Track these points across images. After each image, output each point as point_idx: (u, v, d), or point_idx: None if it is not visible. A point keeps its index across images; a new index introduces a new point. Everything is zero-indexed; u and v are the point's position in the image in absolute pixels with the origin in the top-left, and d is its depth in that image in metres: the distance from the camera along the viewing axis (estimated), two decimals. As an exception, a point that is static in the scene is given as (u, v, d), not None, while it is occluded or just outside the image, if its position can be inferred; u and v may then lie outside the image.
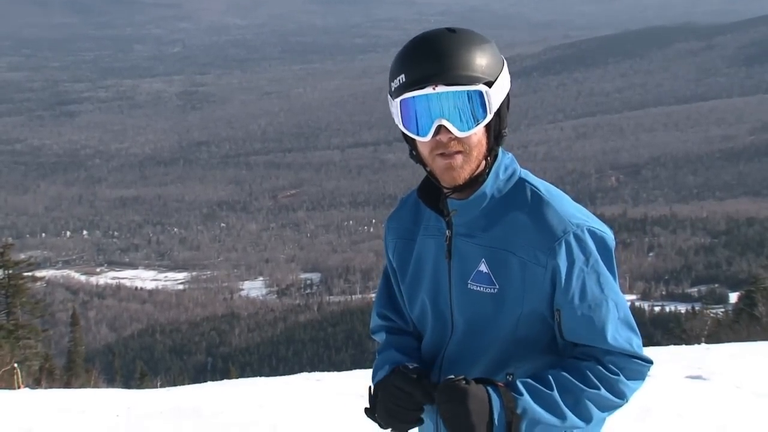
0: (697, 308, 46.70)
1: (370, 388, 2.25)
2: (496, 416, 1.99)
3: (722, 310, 47.06)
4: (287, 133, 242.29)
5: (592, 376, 2.10)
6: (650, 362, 2.19)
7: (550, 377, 2.08)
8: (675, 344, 15.96)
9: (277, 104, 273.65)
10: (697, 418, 7.21)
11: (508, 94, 2.21)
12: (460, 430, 1.99)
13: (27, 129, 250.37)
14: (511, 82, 2.21)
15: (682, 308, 62.67)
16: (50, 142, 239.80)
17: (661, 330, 43.29)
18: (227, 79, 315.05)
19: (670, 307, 74.96)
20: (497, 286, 2.19)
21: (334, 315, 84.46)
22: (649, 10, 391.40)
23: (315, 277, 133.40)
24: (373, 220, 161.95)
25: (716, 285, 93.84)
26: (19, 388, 16.65)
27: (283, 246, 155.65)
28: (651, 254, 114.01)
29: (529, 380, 2.07)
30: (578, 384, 2.08)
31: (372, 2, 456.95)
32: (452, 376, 2.03)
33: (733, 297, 63.50)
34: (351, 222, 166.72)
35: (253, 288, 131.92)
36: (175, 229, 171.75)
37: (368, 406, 2.24)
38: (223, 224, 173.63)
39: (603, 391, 2.09)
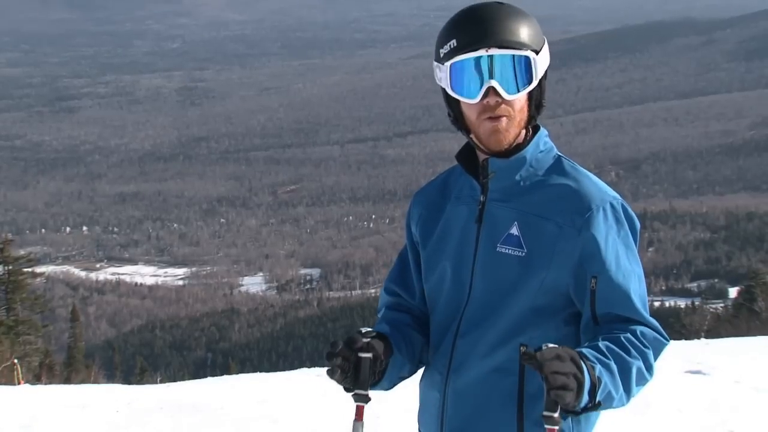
0: (696, 303, 46.76)
1: None
2: (587, 382, 1.96)
3: (722, 305, 47.16)
4: (287, 128, 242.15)
5: (632, 348, 2.10)
6: (668, 340, 2.23)
7: (603, 347, 2.08)
8: (675, 339, 15.95)
9: (276, 100, 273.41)
10: (696, 413, 7.21)
11: (546, 70, 2.29)
12: (566, 390, 1.91)
13: (26, 125, 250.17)
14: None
15: (682, 303, 62.78)
16: (50, 138, 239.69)
17: (661, 325, 43.22)
18: (227, 74, 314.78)
19: (669, 302, 74.89)
20: (525, 250, 2.22)
21: (334, 310, 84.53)
22: (649, 5, 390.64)
23: (315, 272, 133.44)
24: (373, 216, 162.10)
25: (716, 280, 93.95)
26: (19, 383, 16.66)
27: (283, 242, 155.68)
28: (650, 249, 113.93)
29: (590, 350, 2.06)
30: (624, 355, 2.08)
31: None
32: (552, 345, 1.95)
33: (733, 292, 63.58)
34: (351, 217, 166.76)
35: (253, 283, 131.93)
36: (175, 225, 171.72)
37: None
38: (222, 220, 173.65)
39: (641, 362, 2.11)
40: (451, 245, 2.36)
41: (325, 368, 2.27)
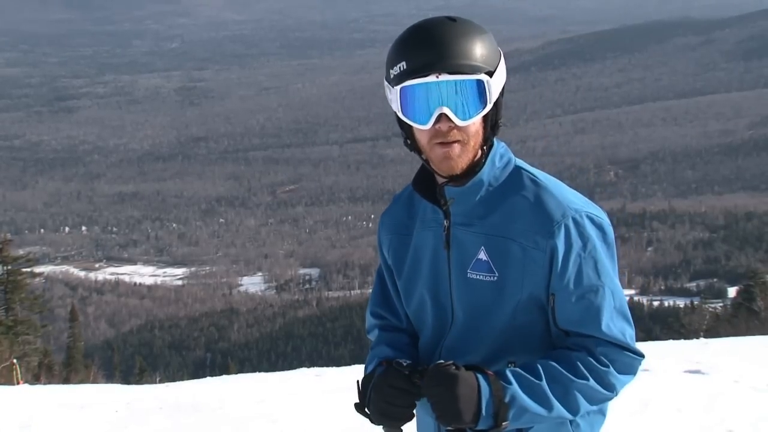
0: (695, 303, 46.72)
1: (358, 382, 2.24)
2: (484, 404, 1.99)
3: (721, 304, 47.15)
4: (286, 128, 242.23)
5: (581, 367, 2.09)
6: (642, 356, 2.17)
7: (540, 367, 2.08)
8: (674, 339, 15.98)
9: (275, 100, 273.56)
10: (695, 413, 7.21)
11: (504, 87, 2.22)
12: (447, 415, 2.01)
13: (25, 125, 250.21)
14: (508, 75, 2.22)
15: (681, 303, 62.83)
16: (48, 138, 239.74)
17: (660, 325, 43.33)
18: (226, 74, 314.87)
19: (668, 302, 75.02)
20: (497, 274, 2.19)
21: (333, 310, 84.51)
22: (648, 5, 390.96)
23: (314, 272, 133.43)
24: (372, 216, 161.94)
25: (715, 279, 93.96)
26: (18, 383, 16.65)
27: (282, 241, 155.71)
28: (650, 249, 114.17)
29: (519, 369, 2.07)
30: (567, 374, 2.07)
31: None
32: (441, 361, 2.04)
33: (732, 291, 63.58)
34: (349, 217, 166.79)
35: (252, 283, 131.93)
36: (174, 225, 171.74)
37: (357, 401, 2.23)
38: (221, 220, 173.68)
39: (592, 382, 2.09)
40: (424, 273, 2.32)
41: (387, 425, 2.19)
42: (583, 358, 2.10)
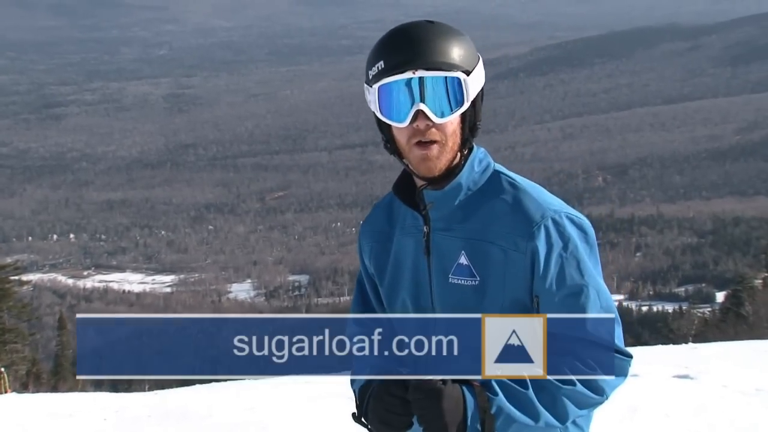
0: (684, 308, 46.86)
1: (355, 391, 2.22)
2: (469, 416, 1.97)
3: (709, 309, 47.30)
4: (274, 135, 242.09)
5: (568, 372, 2.04)
6: (630, 357, 2.13)
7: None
8: (662, 344, 16.02)
9: (264, 106, 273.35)
10: (684, 417, 7.24)
11: (482, 89, 2.21)
12: (434, 429, 1.98)
13: (13, 132, 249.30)
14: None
15: (670, 308, 62.85)
16: (36, 146, 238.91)
17: (649, 330, 43.43)
18: (214, 81, 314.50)
19: (657, 307, 75.14)
20: (478, 278, 2.17)
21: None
22: (635, 11, 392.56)
23: (303, 279, 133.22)
24: (361, 222, 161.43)
25: (703, 284, 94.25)
26: (5, 392, 16.58)
27: (271, 248, 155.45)
28: (638, 254, 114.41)
29: (505, 379, 2.02)
30: (553, 381, 2.03)
31: (358, 4, 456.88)
32: (428, 376, 2.01)
33: (720, 296, 63.78)
34: (339, 224, 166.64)
35: (241, 290, 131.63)
36: (163, 232, 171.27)
37: (355, 411, 2.21)
38: (210, 227, 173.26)
39: (579, 387, 2.04)
40: (406, 278, 2.30)
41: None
42: (570, 363, 2.05)
